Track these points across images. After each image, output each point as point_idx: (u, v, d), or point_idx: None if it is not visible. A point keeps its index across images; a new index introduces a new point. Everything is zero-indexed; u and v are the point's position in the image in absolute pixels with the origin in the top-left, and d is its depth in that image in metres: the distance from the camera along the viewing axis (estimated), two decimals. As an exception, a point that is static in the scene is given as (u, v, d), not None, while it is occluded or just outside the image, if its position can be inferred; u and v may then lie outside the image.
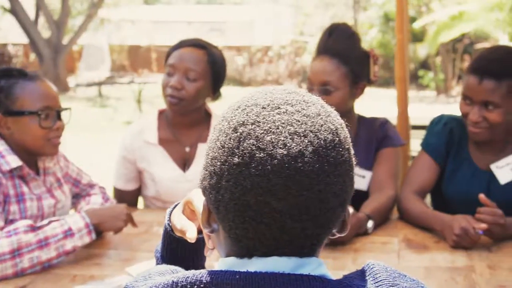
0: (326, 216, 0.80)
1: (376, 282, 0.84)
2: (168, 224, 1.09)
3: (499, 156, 2.10)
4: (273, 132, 0.77)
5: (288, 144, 0.76)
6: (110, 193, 2.34)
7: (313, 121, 0.79)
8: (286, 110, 0.79)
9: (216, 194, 0.80)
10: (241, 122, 0.79)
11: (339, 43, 2.13)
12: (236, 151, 0.78)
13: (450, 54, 15.08)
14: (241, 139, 0.78)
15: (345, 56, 2.12)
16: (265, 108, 0.80)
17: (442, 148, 2.15)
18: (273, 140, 0.77)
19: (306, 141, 0.77)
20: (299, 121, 0.78)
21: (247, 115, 0.80)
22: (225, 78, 2.34)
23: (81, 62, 18.21)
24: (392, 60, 18.08)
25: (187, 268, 0.88)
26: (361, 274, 0.85)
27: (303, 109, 0.80)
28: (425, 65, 16.70)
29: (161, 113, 2.38)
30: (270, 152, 0.76)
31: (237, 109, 0.82)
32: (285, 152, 0.76)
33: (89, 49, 18.27)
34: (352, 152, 0.85)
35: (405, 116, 3.23)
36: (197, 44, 2.26)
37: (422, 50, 16.76)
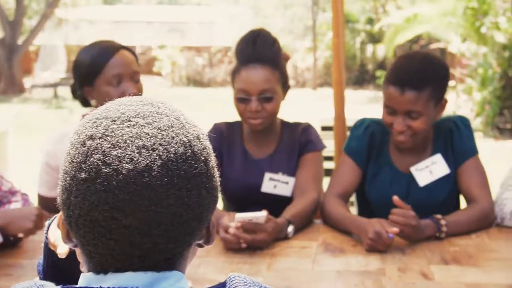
0: (179, 230, 0.79)
1: None
2: (46, 237, 1.07)
3: (419, 159, 2.14)
4: (120, 146, 0.76)
5: (135, 159, 0.75)
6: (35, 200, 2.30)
7: (163, 134, 0.78)
8: (137, 123, 0.78)
9: (68, 210, 0.79)
10: (90, 136, 0.78)
11: (267, 49, 2.15)
12: (83, 166, 0.77)
13: (406, 55, 15.29)
14: (89, 153, 0.77)
15: (275, 62, 2.15)
16: (115, 121, 0.79)
17: (363, 152, 2.18)
18: (119, 154, 0.76)
19: (155, 155, 0.76)
20: (148, 134, 0.77)
21: (96, 128, 0.78)
22: None
23: (37, 62, 17.86)
24: (350, 60, 18.30)
25: (68, 283, 0.87)
26: (221, 287, 0.85)
27: (155, 121, 0.79)
28: (382, 66, 16.93)
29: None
30: (116, 167, 0.75)
31: (88, 122, 0.81)
32: (131, 167, 0.75)
33: (45, 49, 17.93)
34: (212, 163, 0.84)
35: (342, 118, 3.27)
36: (122, 46, 2.21)
37: (380, 52, 16.99)
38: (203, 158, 0.82)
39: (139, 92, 2.12)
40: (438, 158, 2.11)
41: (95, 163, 0.76)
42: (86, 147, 0.77)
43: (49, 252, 1.08)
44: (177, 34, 20.69)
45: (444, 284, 1.61)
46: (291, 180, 2.21)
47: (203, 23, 21.35)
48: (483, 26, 9.24)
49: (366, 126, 2.20)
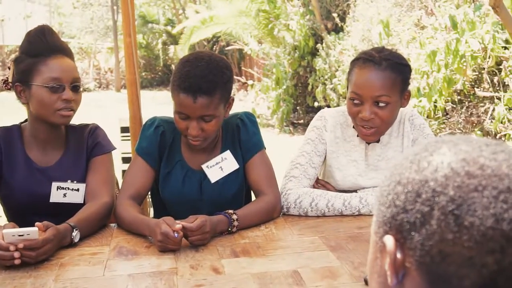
0: None
1: None
2: None
3: (210, 156, 2.18)
4: None
5: None
6: None
7: None
8: None
9: None
10: None
11: (60, 41, 2.13)
12: None
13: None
14: None
15: (71, 52, 2.14)
16: None
17: (154, 152, 2.16)
18: None
19: None
20: None
21: None
22: None
23: None
24: (155, 61, 18.24)
25: None
26: None
27: None
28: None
29: None
30: None
31: None
32: None
33: None
34: None
35: (138, 118, 3.24)
36: None
37: (182, 52, 17.20)
38: None
39: None
40: (227, 155, 2.17)
41: None
42: None
43: None
44: (-38, 32, 18.83)
45: (233, 276, 1.65)
46: (82, 186, 2.12)
47: (-9, 21, 19.69)
48: (275, 28, 9.81)
49: (156, 126, 2.18)
